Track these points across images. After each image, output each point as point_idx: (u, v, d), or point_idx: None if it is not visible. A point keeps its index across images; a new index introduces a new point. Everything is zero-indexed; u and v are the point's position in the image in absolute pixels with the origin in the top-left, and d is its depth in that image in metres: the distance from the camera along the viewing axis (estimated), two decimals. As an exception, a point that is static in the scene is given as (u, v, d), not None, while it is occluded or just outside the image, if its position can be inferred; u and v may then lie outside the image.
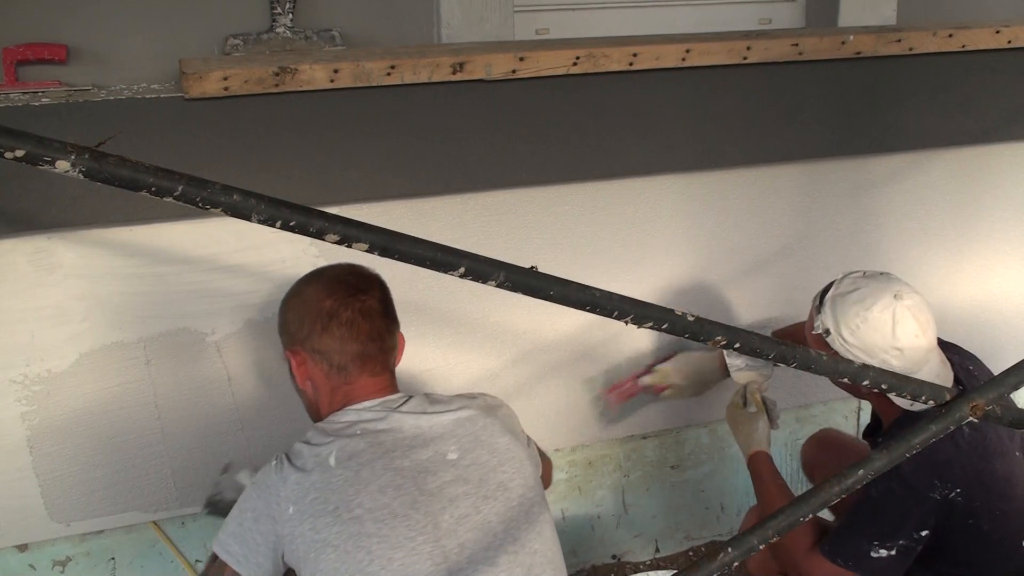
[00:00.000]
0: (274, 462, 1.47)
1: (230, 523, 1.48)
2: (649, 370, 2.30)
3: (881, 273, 1.80)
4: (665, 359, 2.31)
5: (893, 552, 1.73)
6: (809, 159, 2.40)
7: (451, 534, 1.42)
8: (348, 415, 1.52)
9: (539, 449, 1.73)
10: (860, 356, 1.71)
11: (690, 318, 0.95)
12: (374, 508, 1.40)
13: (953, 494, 1.70)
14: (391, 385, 1.59)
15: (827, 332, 1.77)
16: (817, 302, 1.83)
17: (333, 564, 1.38)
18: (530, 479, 1.54)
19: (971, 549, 1.77)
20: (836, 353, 1.75)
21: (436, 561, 1.39)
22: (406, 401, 1.56)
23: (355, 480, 1.42)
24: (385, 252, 0.85)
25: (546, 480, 1.76)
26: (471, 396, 1.62)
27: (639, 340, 2.40)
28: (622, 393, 2.32)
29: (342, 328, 1.54)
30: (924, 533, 1.73)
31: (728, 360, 2.14)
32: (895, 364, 1.69)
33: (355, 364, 1.55)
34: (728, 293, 2.45)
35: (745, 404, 2.08)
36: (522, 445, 1.59)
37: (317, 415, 1.59)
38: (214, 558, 1.47)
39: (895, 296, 1.71)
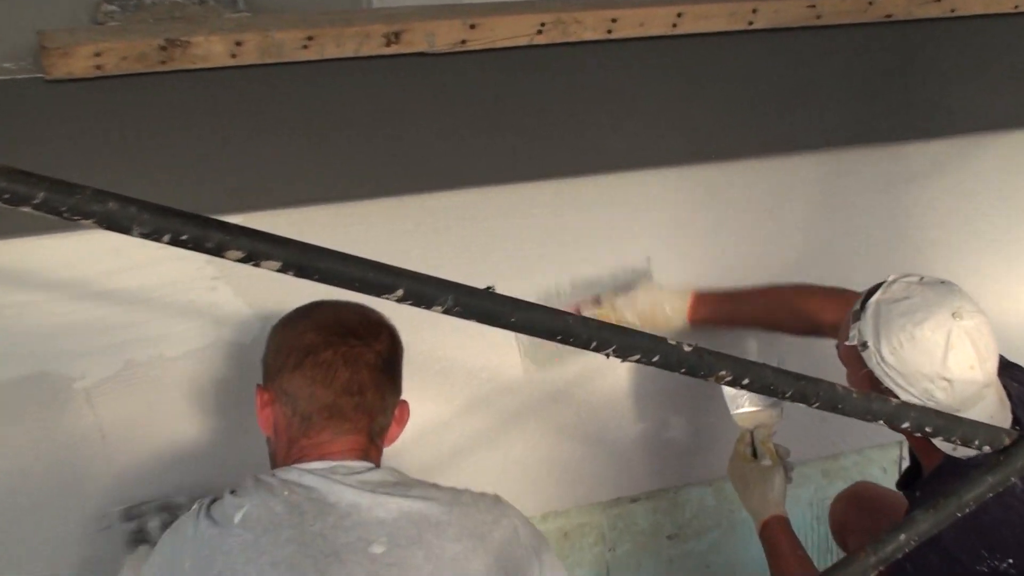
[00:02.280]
0: (196, 506, 1.52)
1: (150, 561, 1.57)
2: (597, 301, 2.25)
3: (942, 282, 1.77)
4: (622, 289, 2.26)
5: None
6: (831, 148, 2.43)
7: None
8: (291, 473, 1.54)
9: None
10: (898, 381, 1.70)
11: (686, 348, 0.96)
12: None
13: (1005, 565, 1.71)
14: (359, 451, 1.58)
15: (863, 345, 1.74)
16: (858, 306, 1.78)
17: None
18: None
19: None
20: (870, 372, 1.74)
21: None
22: (363, 472, 1.55)
23: (252, 546, 1.44)
24: (302, 272, 0.85)
25: None
26: (454, 490, 1.59)
27: (623, 376, 2.41)
28: None
29: (316, 369, 1.56)
30: None
31: (728, 397, 2.11)
32: (939, 397, 1.68)
33: (321, 416, 1.57)
34: (735, 316, 2.47)
35: (755, 455, 2.09)
36: (498, 566, 1.52)
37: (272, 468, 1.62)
38: None
39: (953, 314, 1.68)
